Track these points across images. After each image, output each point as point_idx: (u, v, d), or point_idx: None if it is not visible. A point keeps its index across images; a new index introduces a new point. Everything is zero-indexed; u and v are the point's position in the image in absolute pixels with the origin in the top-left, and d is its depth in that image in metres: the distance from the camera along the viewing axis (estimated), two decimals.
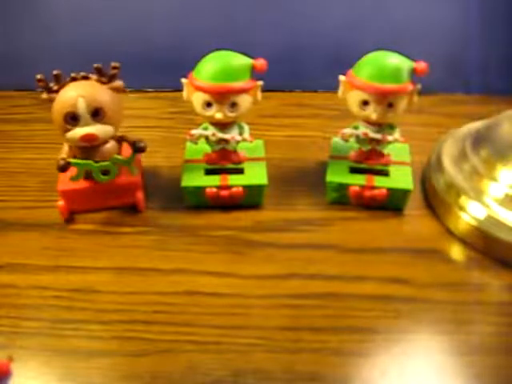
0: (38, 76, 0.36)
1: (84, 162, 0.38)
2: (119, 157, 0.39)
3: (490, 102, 0.51)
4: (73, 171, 0.38)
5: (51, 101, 0.36)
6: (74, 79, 0.36)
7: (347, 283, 0.35)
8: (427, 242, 0.38)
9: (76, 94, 0.35)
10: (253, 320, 0.33)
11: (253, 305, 0.34)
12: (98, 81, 0.37)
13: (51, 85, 0.36)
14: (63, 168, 0.38)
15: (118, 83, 0.37)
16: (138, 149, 0.39)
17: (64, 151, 0.38)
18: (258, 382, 0.30)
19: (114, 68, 0.36)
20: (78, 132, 0.36)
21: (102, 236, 0.39)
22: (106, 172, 0.38)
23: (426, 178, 0.43)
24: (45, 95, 0.36)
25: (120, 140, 0.39)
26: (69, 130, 0.36)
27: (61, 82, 0.36)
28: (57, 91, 0.36)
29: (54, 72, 0.36)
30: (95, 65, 0.36)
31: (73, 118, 0.36)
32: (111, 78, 0.37)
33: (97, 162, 0.38)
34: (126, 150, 0.40)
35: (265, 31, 0.54)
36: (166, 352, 0.31)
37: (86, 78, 0.36)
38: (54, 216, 0.40)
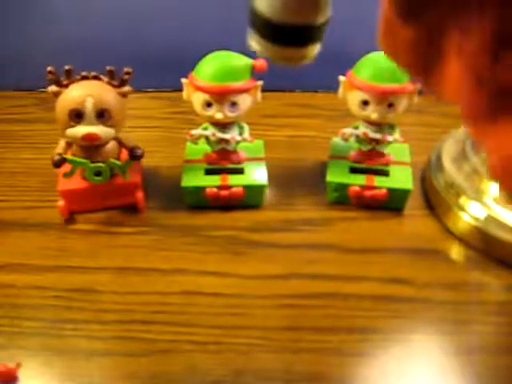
0: (49, 68, 0.35)
1: (79, 160, 0.38)
2: (116, 161, 0.38)
3: None
4: (68, 168, 0.38)
5: (58, 95, 0.36)
6: (84, 78, 0.36)
7: (347, 283, 0.35)
8: (427, 242, 0.38)
9: (85, 92, 0.35)
10: (253, 320, 0.33)
11: (253, 305, 0.34)
12: (109, 83, 0.37)
13: (61, 79, 0.36)
14: (58, 163, 0.37)
15: (128, 89, 0.37)
16: (134, 157, 0.39)
17: (60, 147, 0.38)
18: (258, 381, 0.30)
19: (127, 74, 0.37)
20: (81, 130, 0.36)
21: (102, 236, 0.39)
22: (98, 173, 0.38)
23: (425, 178, 0.43)
24: (54, 88, 0.36)
25: (120, 142, 0.39)
26: (71, 127, 0.36)
27: (71, 77, 0.36)
28: (66, 86, 0.36)
29: (66, 67, 0.35)
30: (108, 67, 0.36)
31: (77, 116, 0.36)
32: (122, 83, 0.37)
33: (93, 162, 0.38)
34: (125, 153, 0.40)
35: None
36: (166, 352, 0.31)
37: (96, 78, 0.36)
38: (54, 216, 0.40)
